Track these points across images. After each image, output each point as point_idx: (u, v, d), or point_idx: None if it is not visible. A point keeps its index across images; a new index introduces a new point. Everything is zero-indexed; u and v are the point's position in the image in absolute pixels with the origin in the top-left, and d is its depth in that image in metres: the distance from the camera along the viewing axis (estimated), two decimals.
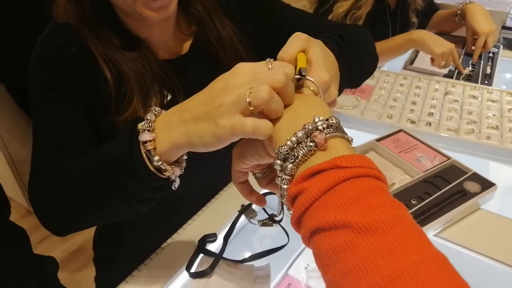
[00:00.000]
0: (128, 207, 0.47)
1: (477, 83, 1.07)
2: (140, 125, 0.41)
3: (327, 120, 0.34)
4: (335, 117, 0.35)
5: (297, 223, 0.32)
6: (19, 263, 0.67)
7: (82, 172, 0.50)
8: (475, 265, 0.61)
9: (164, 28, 0.68)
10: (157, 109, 0.43)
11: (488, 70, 1.15)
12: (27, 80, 0.64)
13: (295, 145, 0.34)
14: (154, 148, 0.40)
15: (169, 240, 0.67)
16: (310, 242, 0.31)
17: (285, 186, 0.34)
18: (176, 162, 0.44)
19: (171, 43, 0.71)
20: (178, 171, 0.44)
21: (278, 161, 0.35)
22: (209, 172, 0.77)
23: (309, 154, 0.33)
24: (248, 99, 0.35)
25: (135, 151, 0.41)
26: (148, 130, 0.41)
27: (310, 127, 0.34)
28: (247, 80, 0.36)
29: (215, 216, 0.72)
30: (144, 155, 0.40)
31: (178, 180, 0.45)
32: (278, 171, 0.35)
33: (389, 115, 0.92)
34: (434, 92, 1.00)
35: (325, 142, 0.33)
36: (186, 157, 0.45)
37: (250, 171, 0.47)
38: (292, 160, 0.33)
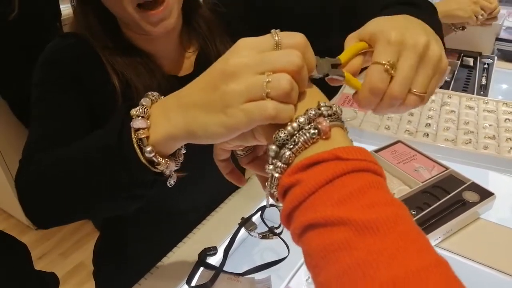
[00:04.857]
0: (115, 202, 0.44)
1: (473, 94, 1.08)
2: (133, 111, 0.37)
3: (330, 107, 0.32)
4: (338, 106, 0.32)
5: (288, 217, 0.30)
6: (21, 278, 0.66)
7: (69, 159, 0.46)
8: (475, 274, 0.60)
9: (167, 43, 0.69)
10: (154, 94, 0.39)
11: (484, 81, 1.16)
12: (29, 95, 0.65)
13: (296, 132, 0.31)
14: (147, 137, 0.36)
15: (169, 254, 0.67)
16: (300, 239, 0.28)
17: (277, 175, 0.31)
18: (173, 156, 0.40)
19: (175, 59, 0.72)
20: (173, 166, 0.39)
21: (274, 147, 0.31)
22: (210, 186, 0.77)
23: (311, 141, 0.30)
24: (267, 90, 0.30)
25: (126, 138, 0.37)
26: (142, 117, 0.36)
27: (313, 112, 0.31)
28: (253, 61, 0.31)
29: (215, 229, 0.72)
30: (136, 144, 0.36)
31: (174, 176, 0.41)
32: (271, 158, 0.32)
33: (387, 126, 0.92)
34: (431, 103, 1.00)
35: (329, 130, 0.30)
36: (184, 151, 0.41)
37: (232, 149, 0.44)
38: (292, 146, 0.30)
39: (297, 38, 0.33)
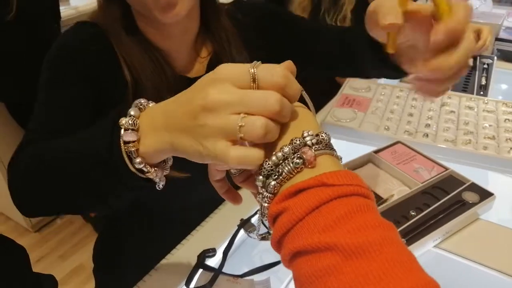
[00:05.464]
0: (104, 202, 0.45)
1: (472, 94, 1.08)
2: (123, 121, 0.37)
3: (317, 135, 0.31)
4: (325, 133, 0.32)
5: (277, 244, 0.30)
6: (18, 281, 0.66)
7: (61, 159, 0.46)
8: (474, 275, 0.60)
9: (182, 41, 0.69)
10: (142, 102, 0.39)
11: (483, 81, 1.16)
12: (29, 99, 0.64)
13: (281, 161, 0.31)
14: (137, 150, 0.37)
15: (168, 256, 0.67)
16: (290, 265, 0.28)
17: (266, 205, 0.31)
18: (162, 162, 0.40)
19: (188, 61, 0.71)
20: (161, 173, 0.40)
21: (261, 177, 0.31)
22: (209, 188, 0.77)
23: (295, 171, 0.30)
24: (240, 134, 0.31)
25: (116, 150, 0.37)
26: (132, 129, 0.37)
27: (298, 142, 0.31)
28: (230, 99, 0.31)
29: (214, 230, 0.71)
30: (125, 156, 0.37)
31: (163, 179, 0.41)
32: (259, 187, 0.32)
33: (387, 127, 0.92)
34: (431, 104, 1.00)
35: (314, 159, 0.30)
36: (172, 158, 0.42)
37: (226, 169, 0.44)
38: (276, 177, 0.31)
39: (275, 74, 0.32)
